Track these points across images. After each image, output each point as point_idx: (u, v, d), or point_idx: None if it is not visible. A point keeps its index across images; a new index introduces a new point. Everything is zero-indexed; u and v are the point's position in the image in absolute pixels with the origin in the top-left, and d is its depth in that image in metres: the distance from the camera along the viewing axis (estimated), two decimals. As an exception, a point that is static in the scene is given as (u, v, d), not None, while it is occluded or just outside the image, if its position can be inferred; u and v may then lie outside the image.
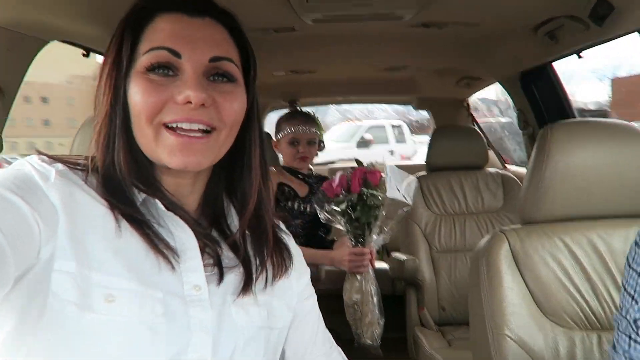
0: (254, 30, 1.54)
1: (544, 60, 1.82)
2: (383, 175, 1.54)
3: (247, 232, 0.68)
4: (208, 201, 0.69)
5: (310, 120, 1.89)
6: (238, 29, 0.66)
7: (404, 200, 1.53)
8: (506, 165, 2.87)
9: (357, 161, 1.63)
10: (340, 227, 1.60)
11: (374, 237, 1.59)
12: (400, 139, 10.51)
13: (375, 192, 1.53)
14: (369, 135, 10.43)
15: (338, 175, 1.57)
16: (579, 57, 1.67)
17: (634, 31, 1.35)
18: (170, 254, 0.58)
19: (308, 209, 1.86)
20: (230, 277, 0.64)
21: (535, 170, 0.97)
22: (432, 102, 3.23)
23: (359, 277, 1.59)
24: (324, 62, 2.31)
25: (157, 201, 0.60)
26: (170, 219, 0.61)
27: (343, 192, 1.54)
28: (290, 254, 0.73)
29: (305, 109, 2.08)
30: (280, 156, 2.05)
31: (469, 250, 2.05)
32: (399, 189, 1.52)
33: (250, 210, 0.67)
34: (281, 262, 0.70)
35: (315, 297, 0.80)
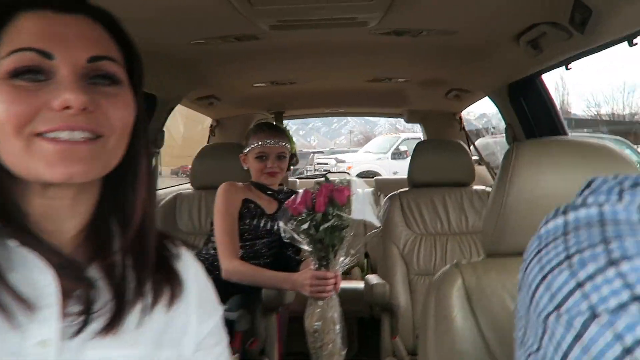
0: (214, 39, 1.45)
1: (530, 72, 1.70)
2: (352, 193, 1.42)
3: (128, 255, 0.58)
4: (95, 225, 0.58)
5: (280, 132, 1.78)
6: (118, 26, 0.57)
7: (372, 222, 1.40)
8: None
9: (325, 177, 1.51)
10: (305, 248, 1.47)
11: (340, 259, 1.46)
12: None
13: (341, 213, 1.40)
14: (404, 147, 10.43)
15: (301, 191, 1.46)
16: (567, 68, 1.56)
17: (621, 40, 1.23)
18: (17, 304, 0.48)
19: (275, 227, 1.74)
20: (99, 320, 0.53)
21: (497, 196, 0.84)
22: (424, 115, 3.11)
23: (320, 302, 1.46)
24: (303, 74, 2.22)
25: (8, 238, 0.50)
26: (23, 259, 0.50)
27: (306, 210, 1.42)
28: (179, 285, 0.61)
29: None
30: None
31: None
32: (366, 209, 1.40)
33: (134, 228, 0.57)
34: (162, 292, 0.59)
35: (225, 342, 0.69)
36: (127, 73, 0.56)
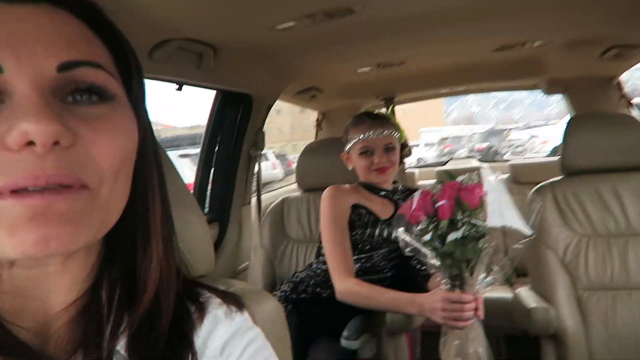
0: (301, 19, 1.22)
1: None
2: (485, 192, 1.07)
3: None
4: (96, 292, 0.40)
5: (383, 121, 1.48)
6: (102, 20, 0.39)
7: (517, 228, 1.04)
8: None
9: (449, 173, 1.17)
10: (432, 263, 1.16)
11: (480, 277, 1.12)
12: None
13: (474, 219, 1.06)
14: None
15: (418, 193, 1.14)
16: None
17: None
18: None
19: (394, 234, 1.45)
20: None
21: None
22: (568, 84, 2.53)
23: (458, 332, 1.13)
24: (413, 51, 1.88)
25: None
26: None
27: (426, 218, 1.10)
28: None
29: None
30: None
31: (633, 288, 1.43)
32: (507, 210, 1.04)
33: (145, 302, 0.40)
34: None
35: None
36: (123, 84, 0.40)
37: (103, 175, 0.35)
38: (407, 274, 1.50)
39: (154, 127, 0.44)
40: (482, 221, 1.05)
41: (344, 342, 1.34)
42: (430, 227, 1.08)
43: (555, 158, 2.93)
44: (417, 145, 16.09)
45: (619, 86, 2.27)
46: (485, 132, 14.04)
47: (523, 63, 2.21)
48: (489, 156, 11.45)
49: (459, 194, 1.07)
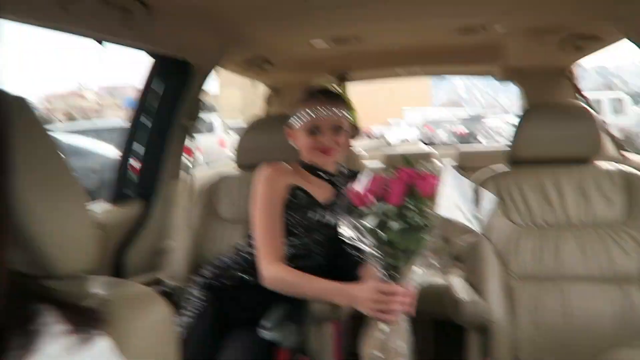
0: None
1: None
2: (442, 181, 1.01)
3: None
4: None
5: (336, 99, 1.38)
6: None
7: (467, 223, 0.99)
8: (624, 154, 2.13)
9: (406, 159, 1.10)
10: (367, 251, 1.09)
11: (416, 271, 1.07)
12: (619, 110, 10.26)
13: (424, 207, 1.00)
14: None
15: (368, 175, 1.06)
16: None
17: None
18: None
19: (332, 220, 1.38)
20: None
21: None
22: (522, 73, 2.53)
23: (384, 326, 1.08)
24: (371, 26, 1.79)
25: None
26: None
27: (375, 201, 1.03)
28: None
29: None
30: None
31: (564, 279, 1.44)
32: (463, 203, 0.98)
33: None
34: None
35: None
36: None
37: None
38: (340, 261, 1.44)
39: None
40: (431, 211, 0.98)
41: (262, 332, 1.26)
42: (377, 211, 1.01)
43: (503, 146, 2.97)
44: (400, 125, 16.34)
45: (571, 76, 2.28)
46: (467, 118, 14.44)
47: (480, 48, 2.18)
48: (468, 141, 11.81)
49: (414, 181, 1.00)
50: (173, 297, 1.59)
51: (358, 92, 3.53)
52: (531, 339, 1.40)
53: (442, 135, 13.61)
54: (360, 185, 1.07)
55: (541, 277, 1.45)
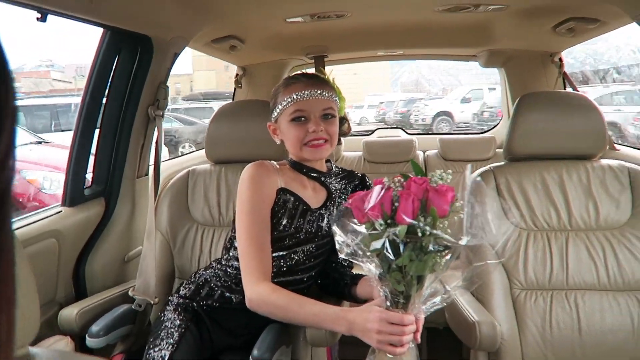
0: None
1: None
2: (458, 197, 0.84)
3: None
4: None
5: (321, 81, 1.18)
6: None
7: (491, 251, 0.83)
8: (615, 147, 2.05)
9: (415, 166, 0.92)
10: (373, 272, 0.92)
11: (427, 298, 0.91)
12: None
13: (439, 233, 0.83)
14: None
15: (378, 187, 0.88)
16: None
17: None
18: None
19: (325, 227, 1.20)
20: None
21: None
22: (507, 57, 2.40)
23: (390, 357, 0.93)
24: (353, 2, 1.59)
25: None
26: None
27: (381, 219, 0.85)
28: None
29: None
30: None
31: (574, 290, 1.33)
32: (487, 225, 0.82)
33: None
34: None
35: None
36: None
37: None
38: (331, 274, 1.28)
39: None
40: (448, 235, 0.81)
41: None
42: (385, 232, 0.83)
43: (486, 136, 2.88)
44: (362, 107, 18.89)
45: (560, 63, 2.17)
46: (406, 100, 16.91)
47: (467, 30, 2.02)
48: (405, 119, 14.78)
49: (426, 196, 0.83)
50: (144, 317, 1.37)
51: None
52: (540, 353, 1.29)
53: (390, 114, 16.46)
54: (365, 198, 0.89)
55: (548, 286, 1.33)
